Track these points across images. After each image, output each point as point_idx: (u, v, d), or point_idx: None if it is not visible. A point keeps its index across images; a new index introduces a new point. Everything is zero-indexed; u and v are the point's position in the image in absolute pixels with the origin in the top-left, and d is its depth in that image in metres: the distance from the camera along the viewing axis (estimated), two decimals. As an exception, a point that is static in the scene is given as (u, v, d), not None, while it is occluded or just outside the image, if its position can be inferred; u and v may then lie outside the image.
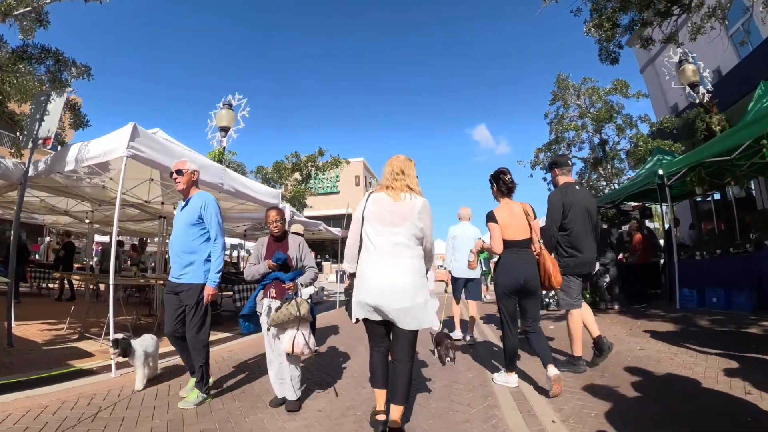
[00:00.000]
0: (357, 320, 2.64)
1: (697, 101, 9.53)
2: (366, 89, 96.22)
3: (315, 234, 10.76)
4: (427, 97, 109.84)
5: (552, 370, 3.16)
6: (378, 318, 2.55)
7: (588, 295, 8.20)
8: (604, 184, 12.28)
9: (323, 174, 12.73)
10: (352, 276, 2.73)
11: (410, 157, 2.76)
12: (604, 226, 8.59)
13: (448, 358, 4.05)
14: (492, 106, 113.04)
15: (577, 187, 3.99)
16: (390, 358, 2.63)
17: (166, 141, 5.05)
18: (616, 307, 7.87)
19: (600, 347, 3.88)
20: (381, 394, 2.59)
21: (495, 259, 3.73)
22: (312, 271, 3.53)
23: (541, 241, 3.53)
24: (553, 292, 7.98)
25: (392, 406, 2.52)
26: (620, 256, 9.93)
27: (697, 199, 15.31)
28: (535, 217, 3.50)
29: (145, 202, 7.79)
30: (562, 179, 4.04)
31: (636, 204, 11.73)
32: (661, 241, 9.64)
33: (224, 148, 9.33)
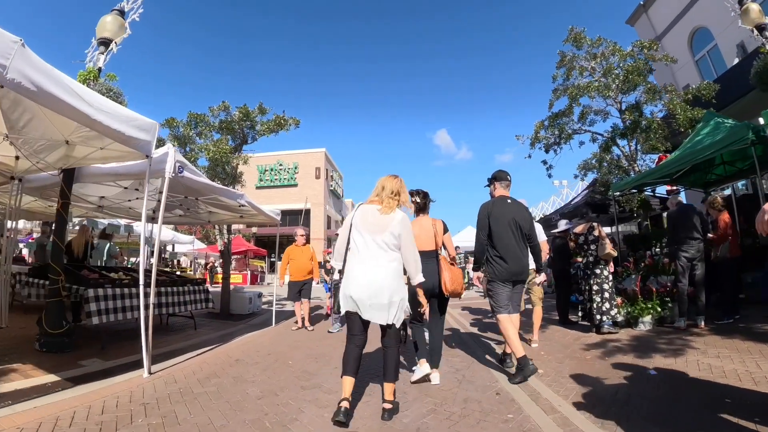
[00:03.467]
0: (346, 312, 2.85)
1: (768, 47, 7.24)
2: (331, 85, 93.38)
3: (245, 217, 7.47)
4: (391, 97, 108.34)
5: (420, 371, 3.55)
6: (359, 312, 2.79)
7: (657, 308, 5.48)
8: (626, 163, 9.84)
9: (264, 132, 9.17)
10: (341, 272, 2.98)
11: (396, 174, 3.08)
12: (681, 198, 5.98)
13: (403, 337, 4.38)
14: (454, 111, 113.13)
15: (509, 201, 3.95)
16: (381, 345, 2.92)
17: None
18: (702, 323, 5.20)
19: (522, 368, 3.47)
20: (349, 382, 2.75)
21: None
22: None
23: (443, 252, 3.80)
24: (602, 316, 5.38)
25: (385, 384, 2.85)
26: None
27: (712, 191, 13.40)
28: (446, 232, 3.81)
29: None
30: (497, 192, 4.04)
31: (671, 188, 9.34)
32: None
33: (100, 69, 5.92)
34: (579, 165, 12.08)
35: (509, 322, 3.68)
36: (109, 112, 3.46)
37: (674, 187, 9.21)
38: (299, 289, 6.93)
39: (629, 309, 5.52)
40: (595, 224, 5.60)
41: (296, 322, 6.97)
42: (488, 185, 4.16)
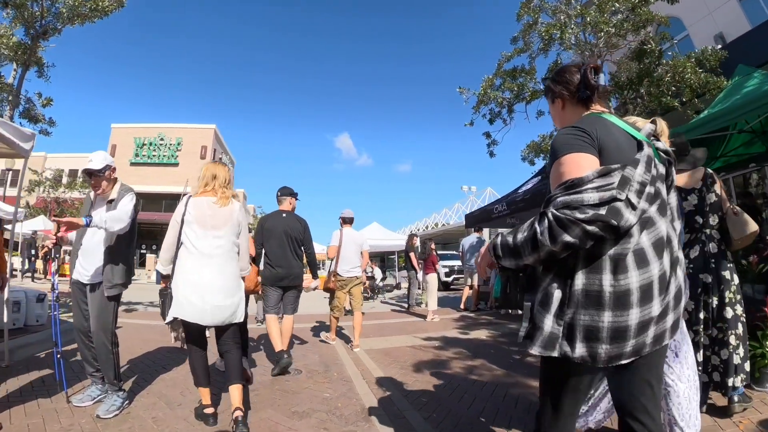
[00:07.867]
0: (174, 319, 2.54)
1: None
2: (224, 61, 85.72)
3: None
4: (295, 93, 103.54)
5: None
6: (195, 320, 2.50)
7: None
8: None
9: (67, 15, 5.06)
10: (167, 278, 2.76)
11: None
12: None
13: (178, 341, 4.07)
14: (356, 117, 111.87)
15: (284, 215, 4.39)
16: (218, 351, 2.75)
17: None
18: None
19: (278, 360, 3.89)
20: (205, 392, 2.64)
21: None
22: None
23: None
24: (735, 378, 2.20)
25: (231, 387, 2.52)
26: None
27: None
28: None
29: None
30: (280, 206, 4.48)
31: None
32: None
33: None
34: (527, 146, 9.65)
35: (274, 322, 4.09)
36: None
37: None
38: None
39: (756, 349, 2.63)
40: (712, 171, 2.60)
41: None
42: (277, 198, 4.54)
